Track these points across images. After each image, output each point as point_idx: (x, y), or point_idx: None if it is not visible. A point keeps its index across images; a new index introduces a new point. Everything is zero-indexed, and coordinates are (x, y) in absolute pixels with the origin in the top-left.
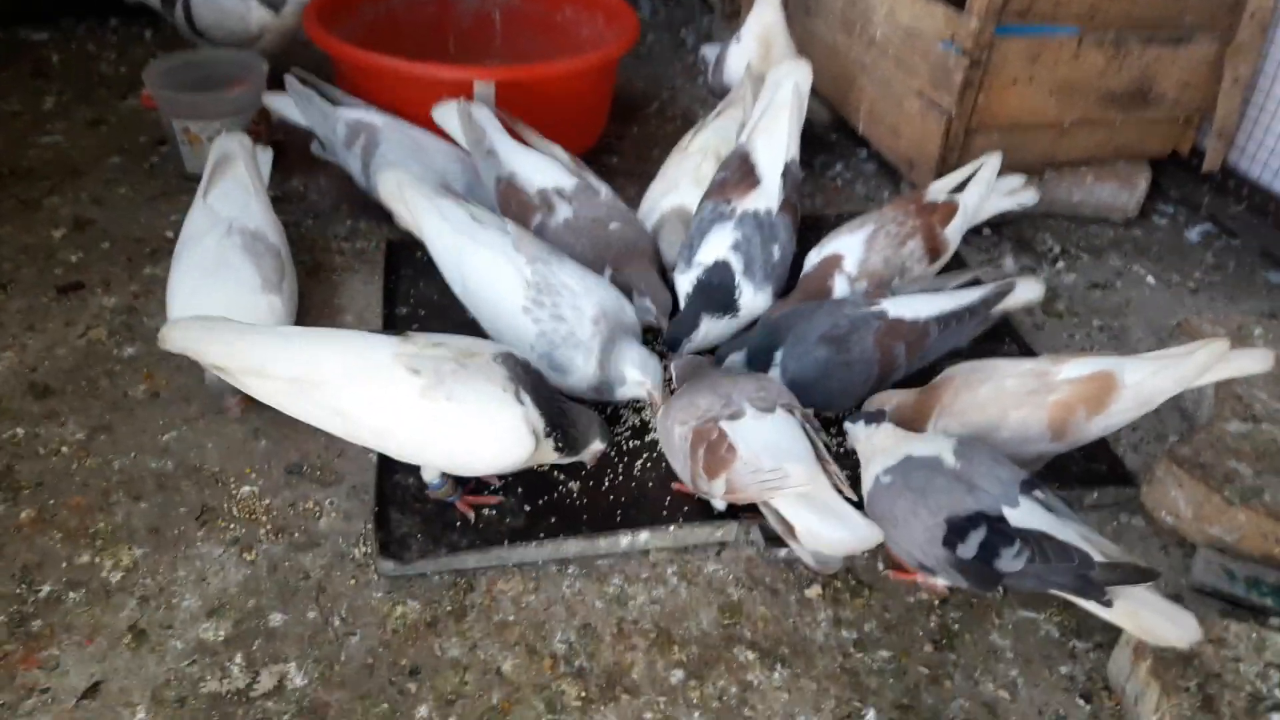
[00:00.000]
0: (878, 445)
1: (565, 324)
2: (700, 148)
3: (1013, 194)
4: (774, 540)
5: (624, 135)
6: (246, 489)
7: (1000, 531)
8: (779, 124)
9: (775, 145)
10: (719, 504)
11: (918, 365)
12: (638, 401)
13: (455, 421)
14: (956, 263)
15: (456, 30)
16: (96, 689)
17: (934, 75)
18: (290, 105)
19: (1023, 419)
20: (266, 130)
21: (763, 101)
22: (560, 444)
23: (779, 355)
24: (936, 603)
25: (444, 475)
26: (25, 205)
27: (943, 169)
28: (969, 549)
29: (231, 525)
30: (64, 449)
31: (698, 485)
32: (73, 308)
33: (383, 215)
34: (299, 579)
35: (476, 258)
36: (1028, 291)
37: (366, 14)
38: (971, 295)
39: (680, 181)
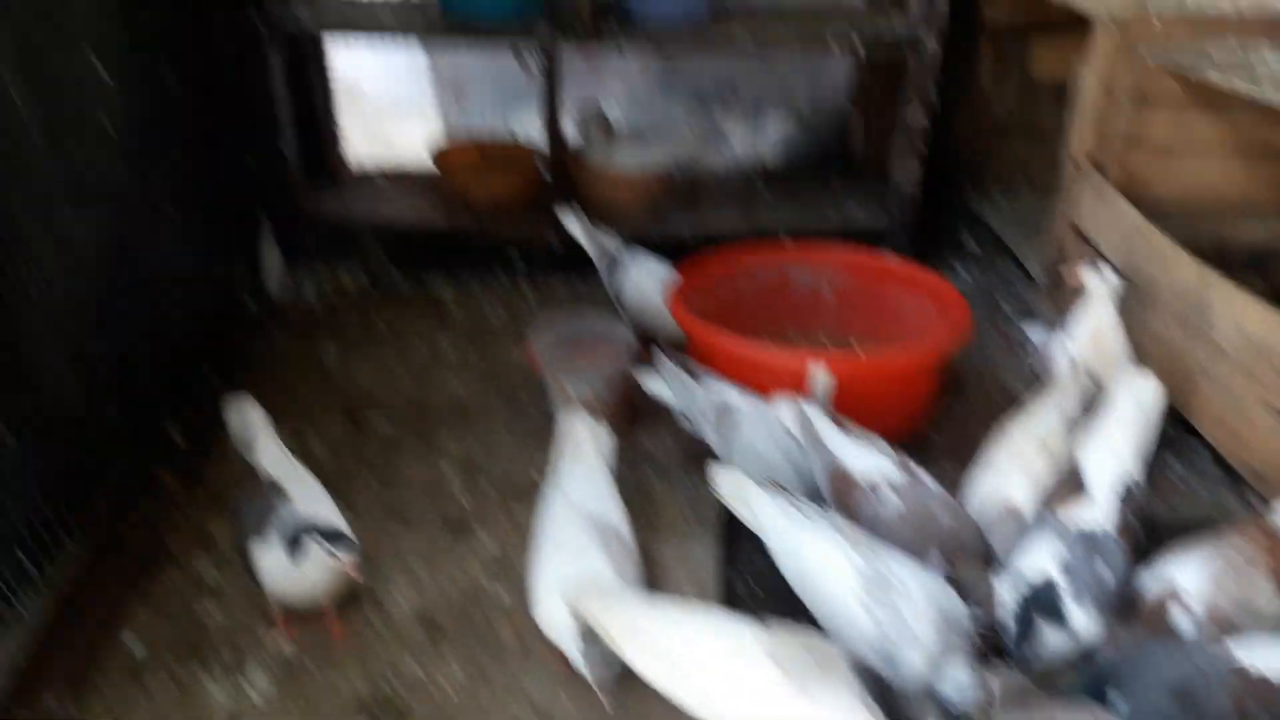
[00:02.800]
0: None
1: (900, 620)
2: (1026, 436)
3: None
4: None
5: (943, 410)
6: None
7: None
8: (1116, 439)
9: (1111, 461)
10: None
11: None
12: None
13: None
14: None
15: (790, 304)
16: None
17: None
18: (658, 381)
19: None
20: (626, 393)
21: (1102, 411)
22: None
23: (1113, 696)
24: None
25: None
26: (427, 444)
27: None
28: None
29: None
30: (445, 686)
31: None
32: (460, 548)
33: None
34: None
35: (811, 551)
36: None
37: (714, 290)
38: None
39: (1008, 471)
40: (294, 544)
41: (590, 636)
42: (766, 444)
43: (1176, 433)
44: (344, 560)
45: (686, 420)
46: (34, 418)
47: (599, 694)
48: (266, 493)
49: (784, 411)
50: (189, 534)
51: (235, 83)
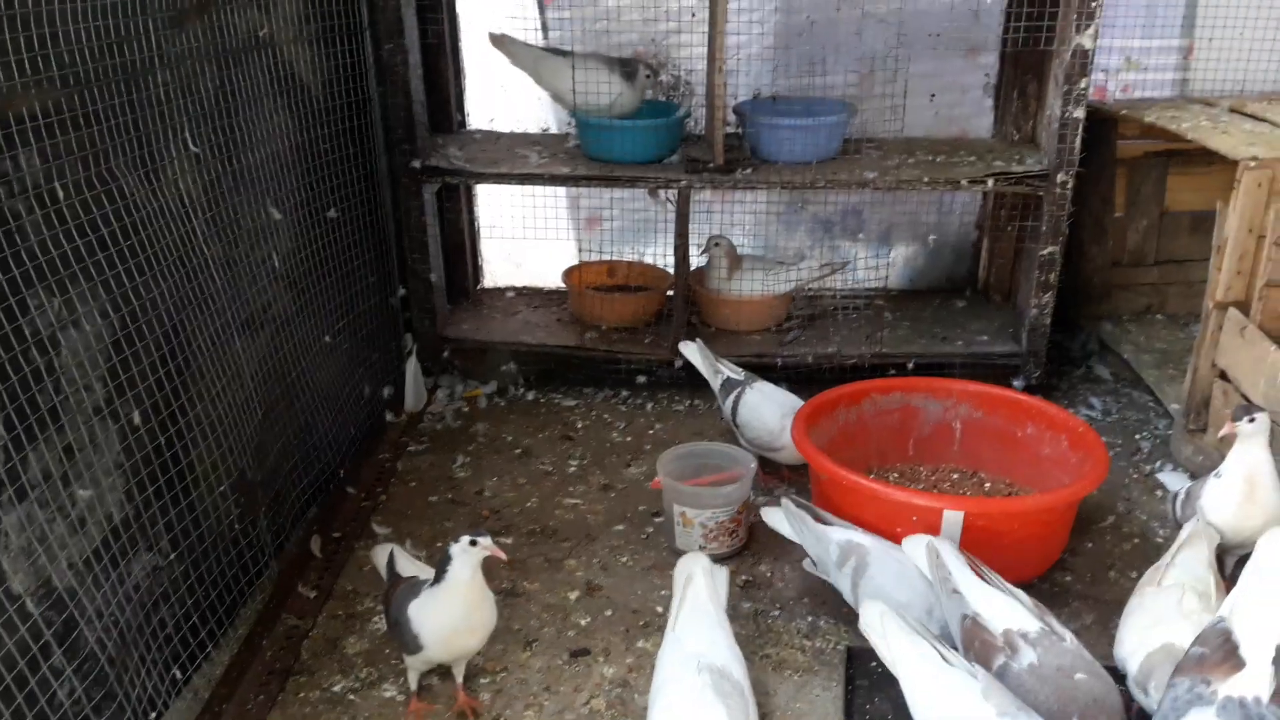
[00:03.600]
0: None
1: None
2: (1176, 581)
3: None
4: None
5: (1077, 551)
6: None
7: None
8: (1268, 600)
9: (1265, 624)
10: None
11: None
12: None
13: None
14: None
15: (917, 435)
16: None
17: None
18: (783, 523)
19: None
20: (746, 517)
21: (1251, 569)
22: None
23: None
24: None
25: None
26: (550, 564)
27: None
28: None
29: None
30: None
31: None
32: (579, 673)
33: (841, 616)
34: None
35: (946, 702)
36: None
37: (839, 419)
38: None
39: (1165, 616)
40: (439, 573)
41: None
42: (897, 585)
43: None
44: (483, 544)
45: (813, 564)
46: (194, 537)
47: None
48: (414, 581)
49: (915, 549)
50: (320, 644)
51: (390, 217)
